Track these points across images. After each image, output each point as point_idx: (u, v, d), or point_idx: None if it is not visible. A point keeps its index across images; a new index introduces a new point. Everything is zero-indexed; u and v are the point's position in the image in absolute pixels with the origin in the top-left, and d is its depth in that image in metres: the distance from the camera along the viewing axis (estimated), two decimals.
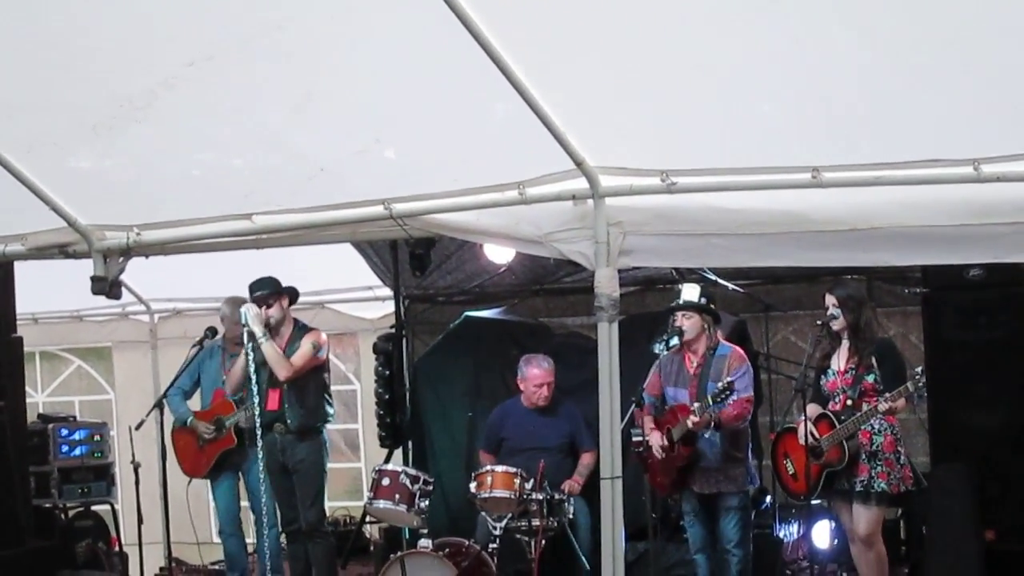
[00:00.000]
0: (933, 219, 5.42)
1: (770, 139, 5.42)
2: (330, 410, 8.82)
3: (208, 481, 9.86)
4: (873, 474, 7.33)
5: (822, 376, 7.62)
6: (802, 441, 7.37)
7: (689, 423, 7.66)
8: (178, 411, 9.62)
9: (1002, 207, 5.27)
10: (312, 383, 8.63)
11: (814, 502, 7.84)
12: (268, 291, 8.49)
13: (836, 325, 7.50)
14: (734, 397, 7.59)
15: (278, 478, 8.67)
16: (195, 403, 9.82)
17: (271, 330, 8.42)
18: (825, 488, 7.47)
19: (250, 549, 9.86)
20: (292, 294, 8.75)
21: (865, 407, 7.31)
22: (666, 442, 7.84)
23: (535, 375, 8.88)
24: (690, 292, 7.95)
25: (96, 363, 13.04)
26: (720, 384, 7.61)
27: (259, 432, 8.14)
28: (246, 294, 8.65)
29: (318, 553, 8.74)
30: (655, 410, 8.09)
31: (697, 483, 7.89)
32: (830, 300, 7.50)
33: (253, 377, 8.17)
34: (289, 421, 8.51)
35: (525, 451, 8.71)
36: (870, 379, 7.37)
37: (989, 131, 5.10)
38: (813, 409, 7.54)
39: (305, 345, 8.52)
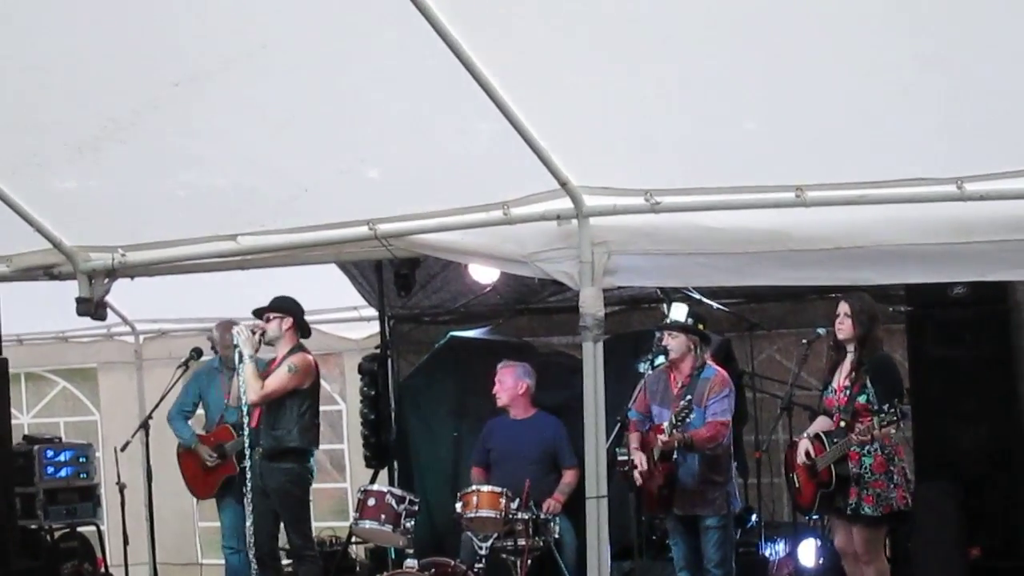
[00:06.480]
0: (917, 237, 5.44)
1: (754, 158, 5.44)
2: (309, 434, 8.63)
3: (194, 501, 9.80)
4: (860, 498, 7.23)
5: (826, 390, 7.56)
6: (800, 459, 7.39)
7: (659, 442, 7.62)
8: (182, 435, 9.53)
9: (985, 225, 5.30)
10: (287, 408, 8.40)
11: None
12: (271, 307, 8.44)
13: (843, 334, 7.39)
14: (693, 415, 7.52)
15: (258, 500, 8.58)
16: (195, 423, 9.78)
17: (267, 345, 8.41)
18: (824, 506, 7.46)
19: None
20: (296, 316, 8.57)
21: (858, 428, 7.25)
22: (645, 466, 7.77)
23: (499, 374, 9.00)
24: (678, 312, 7.89)
25: (81, 384, 12.97)
26: (682, 402, 7.55)
27: (248, 452, 8.20)
28: (231, 316, 8.62)
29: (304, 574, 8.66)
30: (641, 426, 8.04)
31: (677, 505, 7.83)
32: (843, 308, 7.38)
33: (243, 398, 8.15)
34: (262, 443, 8.41)
35: (508, 460, 8.74)
36: (862, 399, 7.25)
37: (972, 150, 5.13)
38: (823, 422, 7.50)
39: (282, 367, 8.39)
